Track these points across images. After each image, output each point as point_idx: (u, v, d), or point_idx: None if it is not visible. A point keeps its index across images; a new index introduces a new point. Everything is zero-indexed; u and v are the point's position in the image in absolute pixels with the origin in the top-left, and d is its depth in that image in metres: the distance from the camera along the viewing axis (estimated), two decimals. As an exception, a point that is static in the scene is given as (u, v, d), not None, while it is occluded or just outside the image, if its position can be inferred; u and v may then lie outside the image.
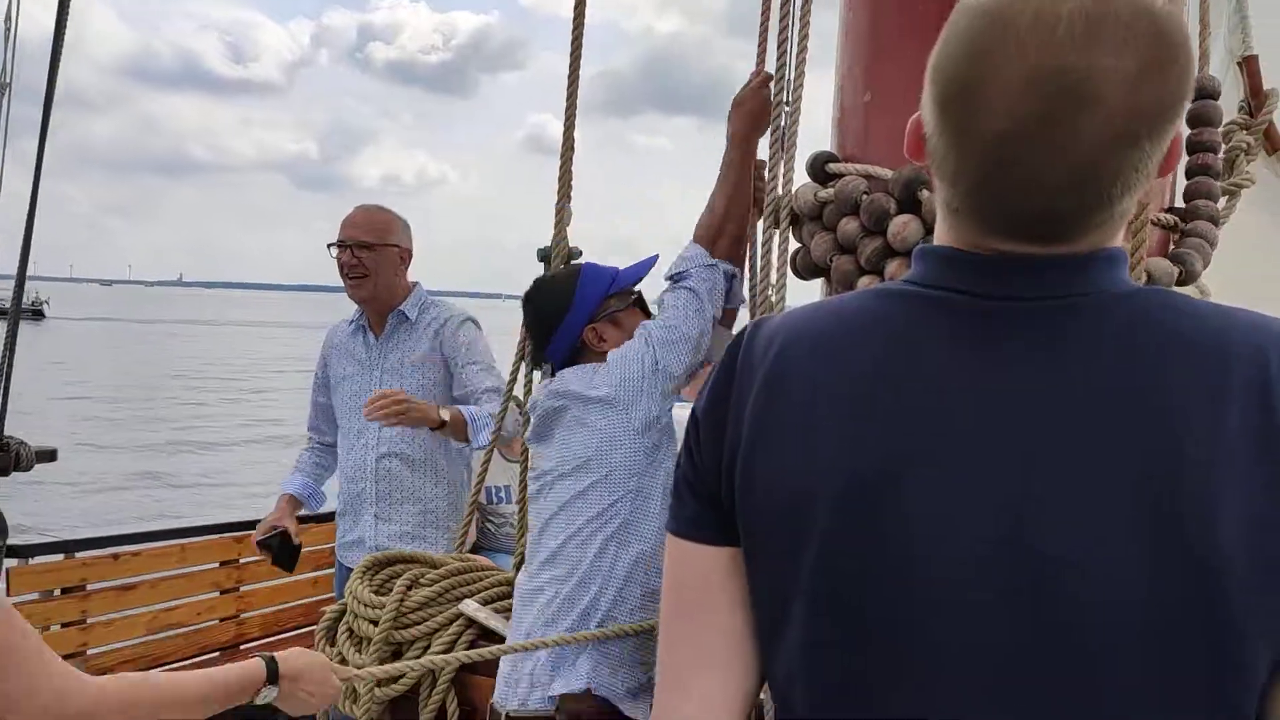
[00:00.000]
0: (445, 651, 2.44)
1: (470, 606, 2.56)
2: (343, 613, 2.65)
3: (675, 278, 2.37)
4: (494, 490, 5.77)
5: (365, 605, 2.54)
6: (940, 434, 0.92)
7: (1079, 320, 0.92)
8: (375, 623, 2.50)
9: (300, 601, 5.23)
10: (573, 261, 2.81)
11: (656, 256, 2.57)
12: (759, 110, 2.32)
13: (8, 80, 4.09)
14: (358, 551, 3.39)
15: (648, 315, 2.50)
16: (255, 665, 1.74)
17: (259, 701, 1.76)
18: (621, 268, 2.53)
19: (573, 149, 2.74)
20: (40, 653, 1.42)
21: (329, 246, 3.46)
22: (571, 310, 2.40)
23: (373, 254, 3.41)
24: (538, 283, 2.53)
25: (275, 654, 1.79)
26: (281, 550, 3.38)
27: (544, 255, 2.88)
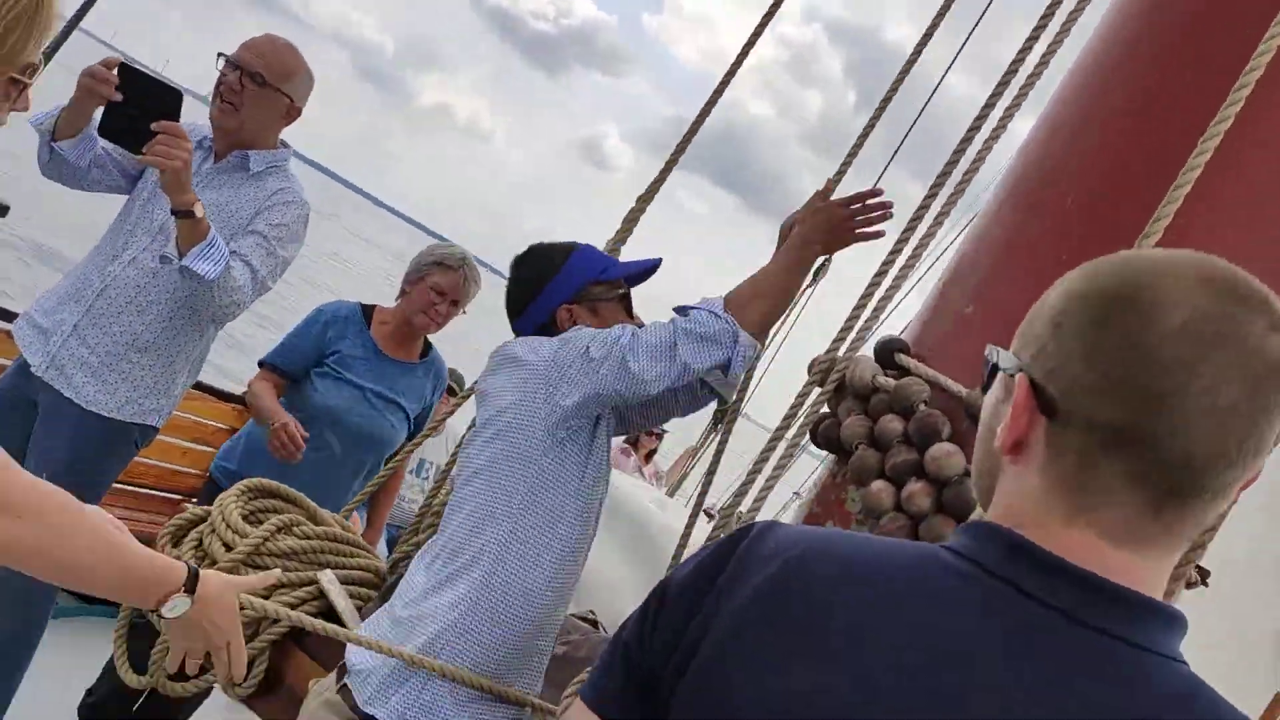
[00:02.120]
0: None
1: (327, 577, 2.37)
2: (199, 520, 2.45)
3: (679, 310, 2.16)
4: (425, 463, 5.59)
5: (229, 527, 2.34)
6: None
7: (1140, 683, 0.86)
8: (229, 548, 2.31)
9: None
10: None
11: (659, 260, 2.38)
12: (841, 226, 2.11)
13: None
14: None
15: (630, 317, 2.32)
16: (176, 566, 1.49)
17: (165, 612, 1.48)
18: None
19: (652, 198, 2.61)
20: None
21: (218, 56, 3.08)
22: (553, 282, 2.27)
23: (260, 92, 3.03)
24: (532, 247, 2.38)
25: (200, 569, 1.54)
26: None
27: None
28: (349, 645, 2.07)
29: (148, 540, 1.64)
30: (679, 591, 1.00)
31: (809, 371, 2.07)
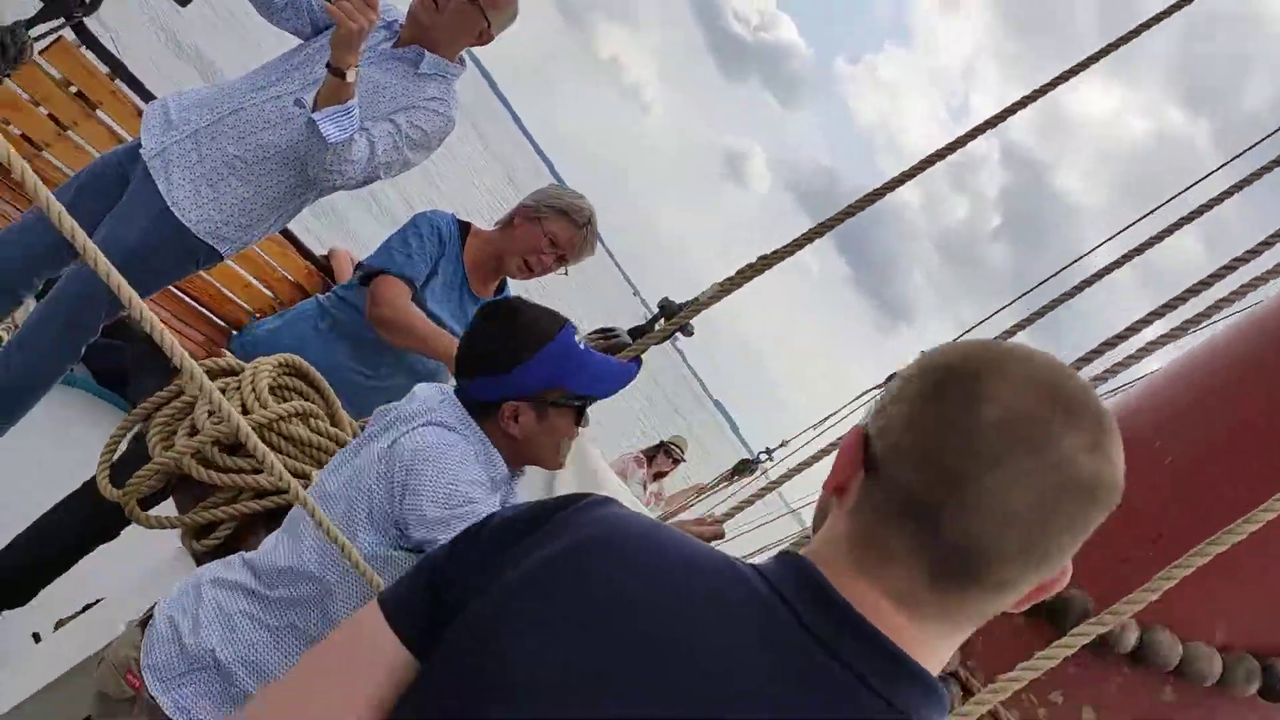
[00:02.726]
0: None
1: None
2: (230, 372, 2.49)
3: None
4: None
5: (254, 392, 2.37)
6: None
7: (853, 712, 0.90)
8: (246, 410, 2.34)
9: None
10: (672, 318, 2.66)
11: (637, 369, 2.21)
12: None
13: None
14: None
15: (576, 427, 2.11)
16: None
17: None
18: (601, 355, 2.13)
19: (777, 263, 2.58)
20: None
21: None
22: (522, 367, 2.00)
23: (466, 5, 3.07)
24: (515, 305, 2.12)
25: None
26: None
27: (665, 307, 2.71)
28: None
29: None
30: (500, 526, 1.04)
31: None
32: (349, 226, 11.52)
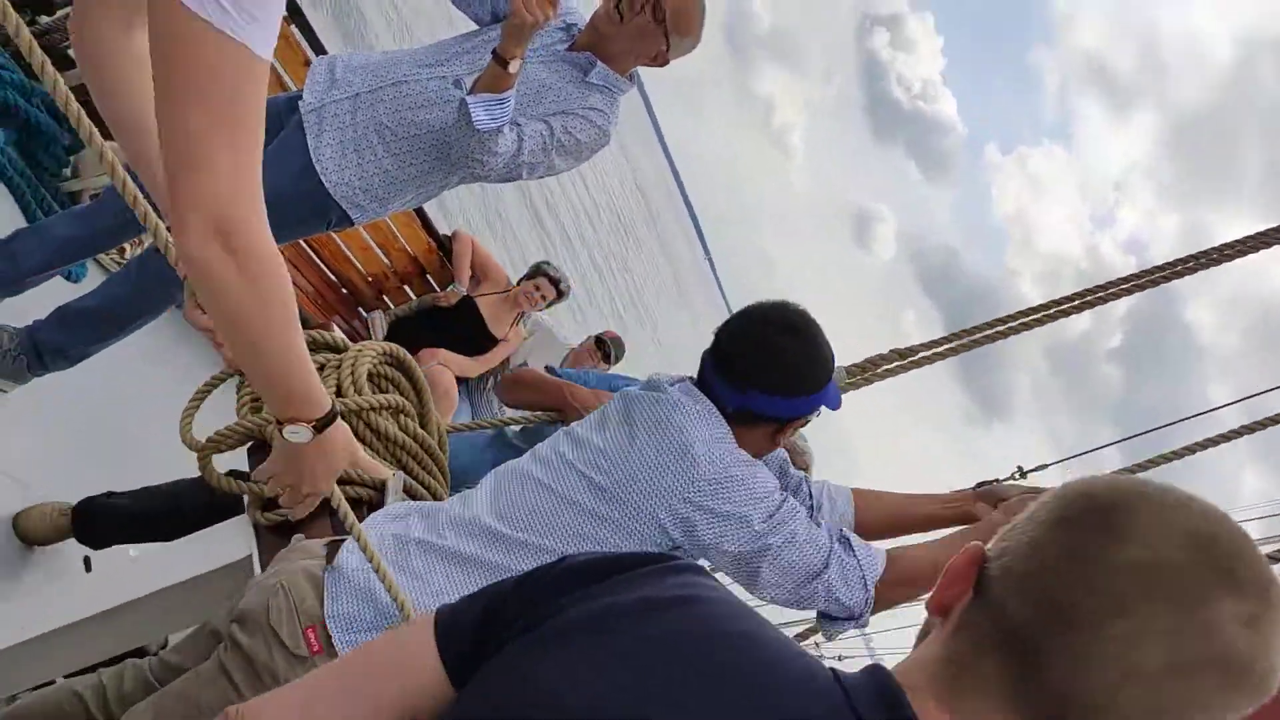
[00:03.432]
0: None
1: (396, 479, 2.30)
2: (334, 348, 2.42)
3: (843, 539, 1.98)
4: (522, 367, 5.56)
5: (351, 375, 2.30)
6: None
7: None
8: (340, 392, 2.27)
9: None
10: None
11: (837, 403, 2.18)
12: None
13: None
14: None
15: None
16: (324, 400, 1.45)
17: (286, 432, 1.45)
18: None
19: (935, 360, 2.42)
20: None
21: None
22: (805, 399, 2.04)
23: (650, 26, 2.95)
24: (812, 323, 2.09)
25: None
26: None
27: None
28: (349, 541, 1.99)
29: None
30: (571, 569, 0.99)
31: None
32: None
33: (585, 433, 2.08)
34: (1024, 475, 6.23)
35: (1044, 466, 6.31)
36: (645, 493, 1.92)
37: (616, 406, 2.11)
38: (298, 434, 1.43)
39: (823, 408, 2.13)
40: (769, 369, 2.03)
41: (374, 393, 2.32)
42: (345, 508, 1.62)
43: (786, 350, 2.05)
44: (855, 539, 2.00)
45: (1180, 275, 2.42)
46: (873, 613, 2.01)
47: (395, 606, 1.79)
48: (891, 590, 1.99)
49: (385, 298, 5.50)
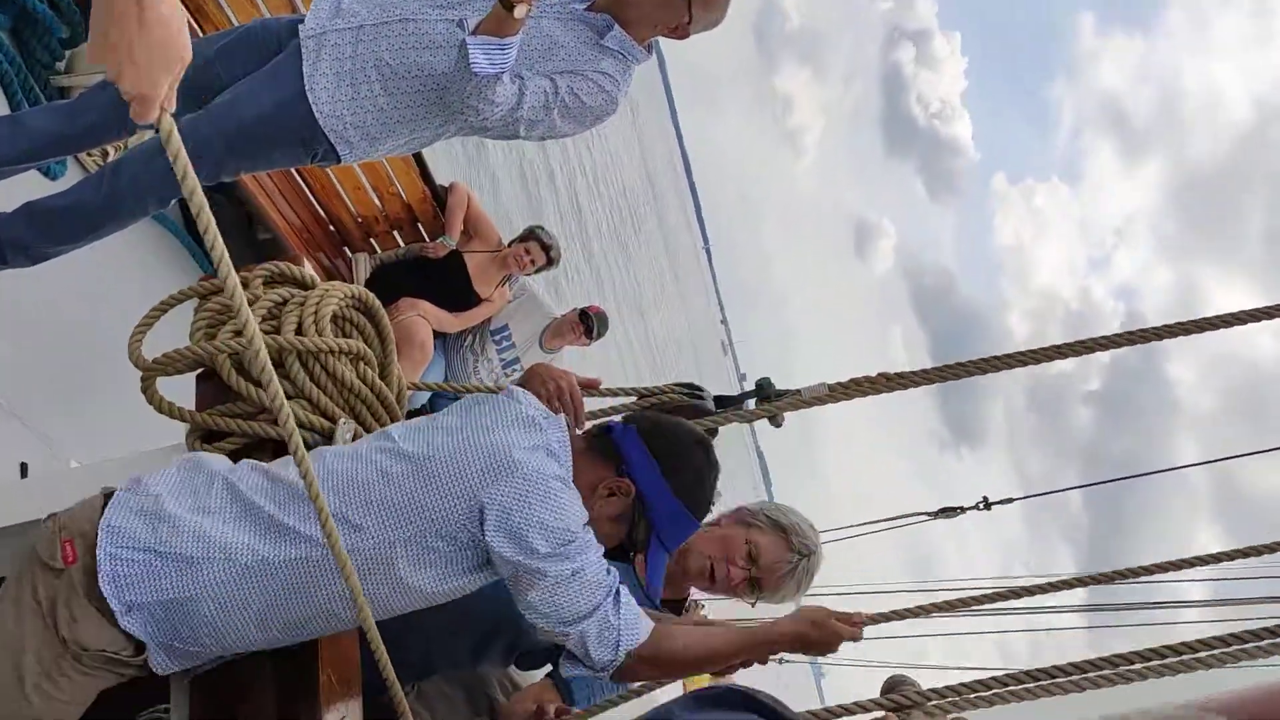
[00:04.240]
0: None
1: (345, 427, 2.20)
2: (302, 284, 2.32)
3: (607, 604, 1.93)
4: (502, 329, 5.46)
5: (314, 316, 2.19)
6: None
7: None
8: (300, 330, 2.17)
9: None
10: (765, 401, 2.45)
11: (656, 599, 2.14)
12: (826, 649, 2.01)
13: None
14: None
15: (610, 555, 2.04)
16: None
17: None
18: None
19: (920, 384, 2.35)
20: None
21: None
22: (668, 491, 2.02)
23: None
24: (714, 464, 2.13)
25: None
26: None
27: (762, 388, 2.48)
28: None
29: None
30: None
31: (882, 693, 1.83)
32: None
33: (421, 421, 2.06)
34: (989, 506, 6.12)
35: (1010, 500, 6.23)
36: (452, 475, 1.88)
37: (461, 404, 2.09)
38: None
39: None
40: (665, 432, 2.07)
41: (336, 336, 2.22)
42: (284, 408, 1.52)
43: (690, 443, 2.08)
44: (627, 597, 1.95)
45: (1172, 336, 2.37)
46: (619, 679, 1.99)
47: (179, 546, 1.79)
48: (642, 665, 1.96)
49: (373, 241, 5.39)
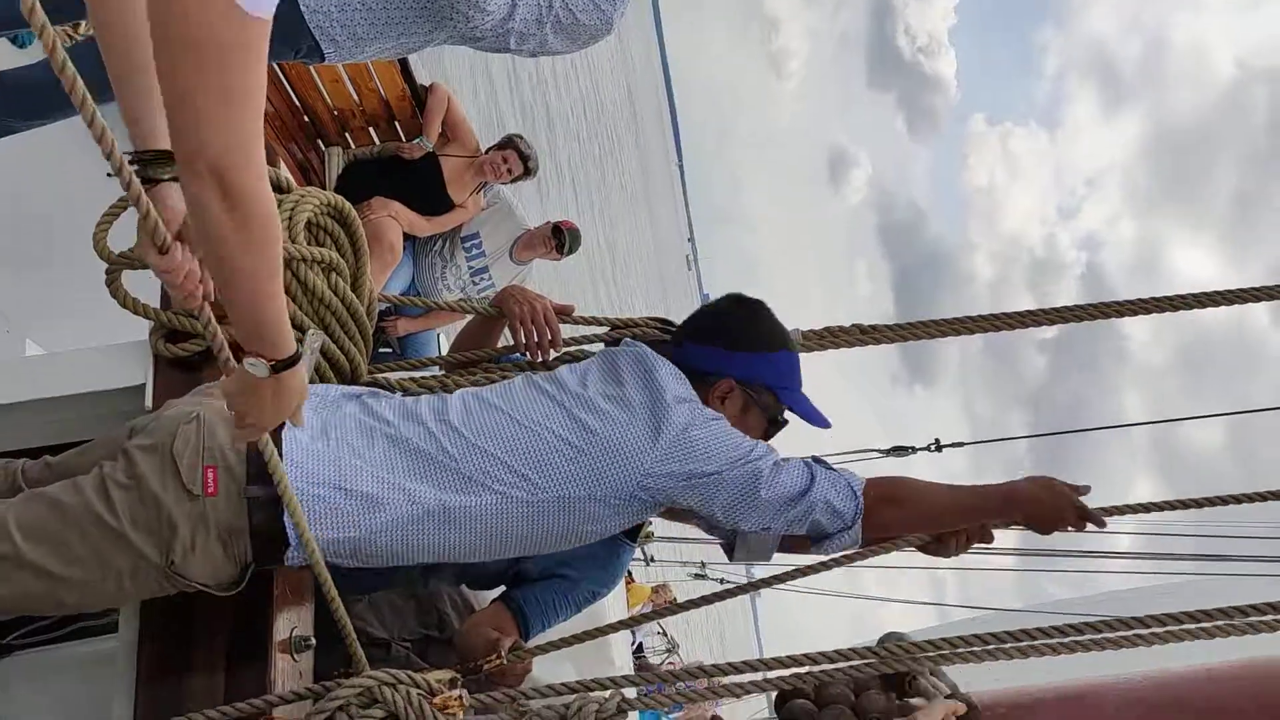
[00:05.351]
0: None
1: (314, 337, 2.16)
2: (276, 188, 2.26)
3: (818, 460, 2.02)
4: (473, 237, 5.38)
5: (288, 222, 2.14)
6: None
7: None
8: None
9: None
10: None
11: (829, 425, 2.21)
12: (1058, 520, 1.93)
13: None
14: None
15: (763, 438, 2.13)
16: (290, 344, 1.53)
17: (246, 365, 1.49)
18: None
19: (900, 340, 2.35)
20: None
21: None
22: (753, 357, 2.11)
23: None
24: (763, 308, 2.20)
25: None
26: None
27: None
28: None
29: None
30: None
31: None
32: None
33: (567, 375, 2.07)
34: (940, 449, 6.18)
35: (961, 444, 6.28)
36: (628, 451, 1.92)
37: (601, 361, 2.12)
38: (255, 367, 1.50)
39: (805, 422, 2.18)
40: (701, 318, 2.20)
41: (309, 244, 2.17)
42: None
43: (724, 309, 2.21)
44: (829, 464, 2.03)
45: (1133, 314, 2.36)
46: (870, 529, 1.97)
47: (334, 483, 1.82)
48: (884, 505, 1.96)
49: (348, 136, 5.27)
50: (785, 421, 2.18)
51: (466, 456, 1.88)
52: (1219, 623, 1.73)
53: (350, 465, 1.85)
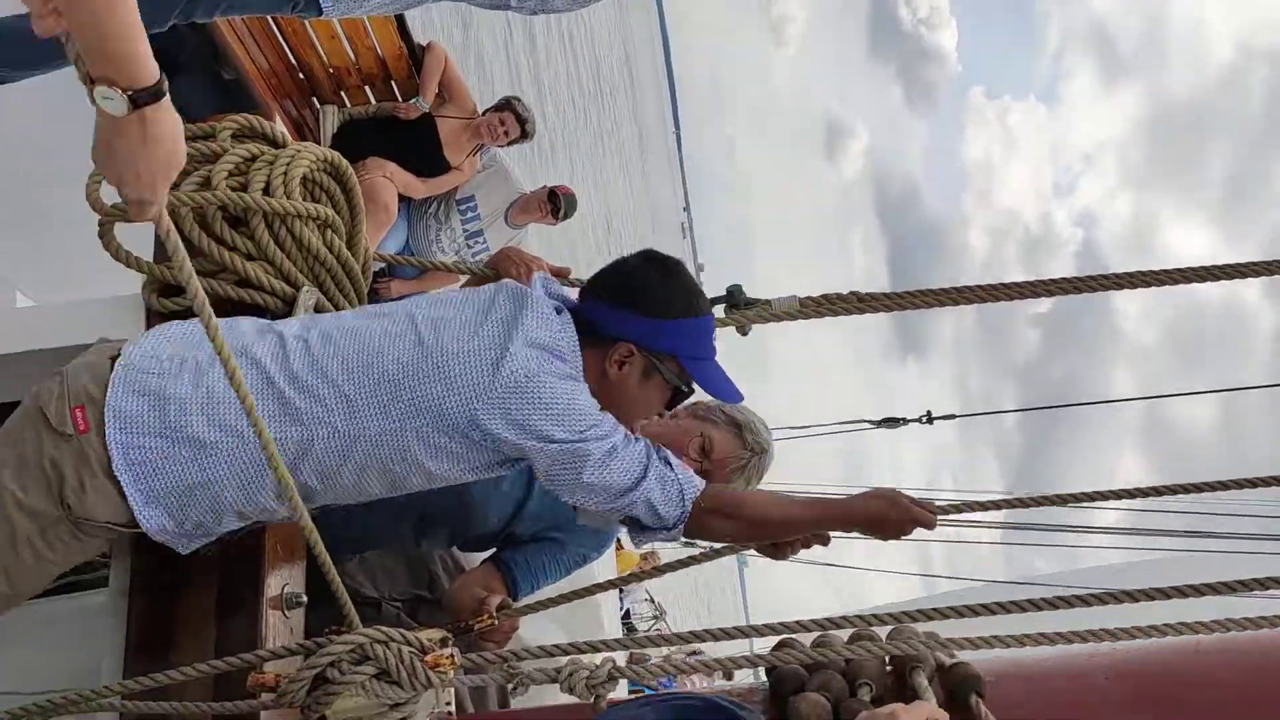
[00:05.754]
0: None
1: (307, 293, 2.16)
2: (273, 142, 2.23)
3: (655, 464, 1.91)
4: (468, 200, 5.35)
5: (283, 176, 2.11)
6: None
7: None
8: (268, 190, 2.10)
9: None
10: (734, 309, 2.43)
11: (741, 398, 2.13)
12: (898, 531, 1.95)
13: None
14: None
15: (665, 407, 2.09)
16: (151, 67, 1.26)
17: (97, 96, 1.25)
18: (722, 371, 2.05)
19: (895, 309, 2.35)
20: None
21: None
22: (661, 322, 1.95)
23: None
24: (678, 268, 2.05)
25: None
26: None
27: (732, 295, 2.43)
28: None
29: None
30: None
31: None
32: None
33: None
34: (931, 421, 6.18)
35: (952, 416, 6.29)
36: (463, 383, 1.82)
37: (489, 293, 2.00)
38: (110, 100, 1.25)
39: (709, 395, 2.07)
40: (609, 274, 2.03)
41: (305, 200, 2.15)
42: (195, 285, 1.48)
43: (634, 266, 2.03)
44: (675, 461, 1.94)
45: (1128, 287, 2.37)
46: (686, 535, 1.95)
47: (181, 420, 1.74)
48: (711, 517, 1.93)
49: (343, 94, 5.20)
50: (690, 391, 2.05)
51: (307, 384, 1.80)
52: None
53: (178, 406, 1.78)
